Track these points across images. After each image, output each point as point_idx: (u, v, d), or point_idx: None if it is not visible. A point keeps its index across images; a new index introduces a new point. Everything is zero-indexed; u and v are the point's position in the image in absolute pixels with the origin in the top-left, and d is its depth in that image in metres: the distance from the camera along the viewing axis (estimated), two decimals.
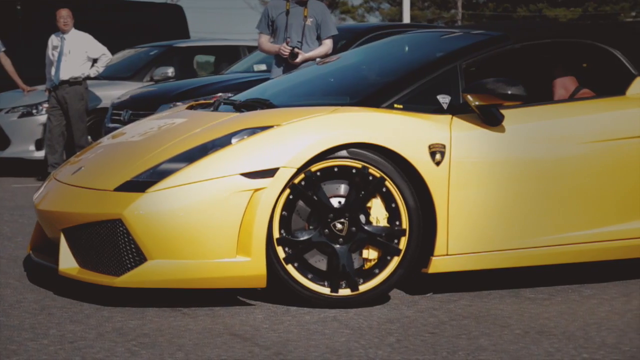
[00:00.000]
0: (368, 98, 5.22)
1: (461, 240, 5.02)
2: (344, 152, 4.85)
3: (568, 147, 5.27)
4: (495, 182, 5.09)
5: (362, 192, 4.88)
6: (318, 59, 6.45)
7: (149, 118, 6.16)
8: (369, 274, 4.91)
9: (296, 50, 8.79)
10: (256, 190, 4.70)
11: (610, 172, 5.32)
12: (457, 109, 5.15)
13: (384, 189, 4.89)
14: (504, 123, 5.12)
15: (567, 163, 5.25)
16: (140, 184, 4.80)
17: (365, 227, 4.89)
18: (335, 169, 4.86)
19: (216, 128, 5.06)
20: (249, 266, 4.72)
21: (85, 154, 5.70)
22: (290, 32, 8.90)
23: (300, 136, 4.81)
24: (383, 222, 4.91)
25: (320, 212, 4.86)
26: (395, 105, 5.13)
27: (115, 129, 10.52)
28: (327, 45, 9.05)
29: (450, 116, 5.10)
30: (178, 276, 4.72)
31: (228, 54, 13.63)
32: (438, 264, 5.01)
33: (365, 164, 4.85)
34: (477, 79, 5.29)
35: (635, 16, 52.28)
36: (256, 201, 4.69)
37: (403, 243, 4.92)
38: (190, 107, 6.17)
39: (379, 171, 4.87)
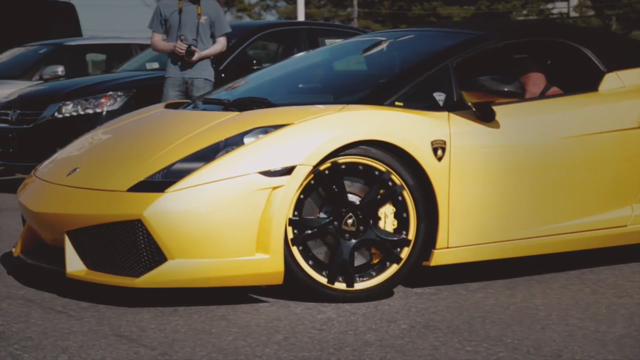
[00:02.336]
0: (370, 96, 5.36)
1: (461, 233, 5.19)
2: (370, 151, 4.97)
3: (553, 142, 5.52)
4: (491, 176, 5.29)
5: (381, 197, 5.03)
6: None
7: (131, 116, 6.12)
8: (367, 275, 5.02)
9: (192, 48, 8.76)
10: (274, 188, 4.76)
11: (591, 165, 5.59)
12: (452, 106, 5.30)
13: (399, 198, 5.03)
14: (496, 119, 5.31)
15: (553, 157, 5.49)
16: (157, 184, 4.79)
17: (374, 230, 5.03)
18: (360, 167, 4.98)
19: (222, 127, 5.08)
20: (268, 263, 4.78)
21: (71, 153, 5.64)
22: (184, 31, 8.88)
23: (315, 134, 4.89)
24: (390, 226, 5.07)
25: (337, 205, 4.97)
26: (397, 103, 5.26)
27: (3, 129, 10.32)
28: (222, 43, 9.07)
29: (447, 113, 5.26)
30: (198, 275, 4.75)
31: (120, 53, 13.49)
32: (440, 257, 5.17)
33: (389, 169, 5.00)
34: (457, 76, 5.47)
35: (527, 14, 53.22)
36: (274, 199, 4.75)
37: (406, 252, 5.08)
38: (168, 107, 6.20)
39: (399, 178, 5.02)
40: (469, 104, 5.31)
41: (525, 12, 53.34)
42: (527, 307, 4.90)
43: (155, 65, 10.91)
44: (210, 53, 8.99)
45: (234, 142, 4.90)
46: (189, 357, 4.02)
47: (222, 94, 6.26)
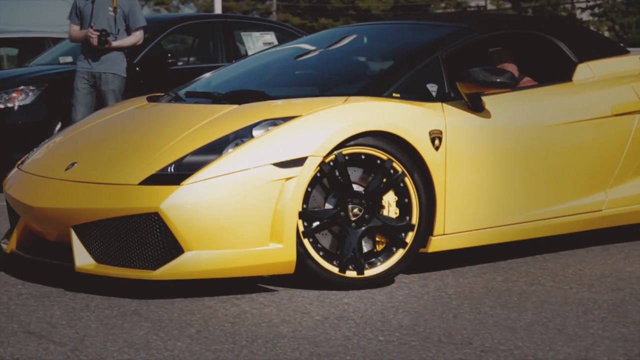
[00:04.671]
0: (368, 87, 5.48)
1: (456, 220, 5.36)
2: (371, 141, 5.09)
3: (539, 130, 5.72)
4: (483, 165, 5.46)
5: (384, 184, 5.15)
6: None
7: (114, 110, 6.06)
8: (373, 263, 5.12)
9: (104, 33, 8.65)
10: (287, 179, 4.85)
11: (571, 153, 5.82)
12: (444, 97, 5.47)
13: (401, 184, 5.17)
14: (487, 108, 5.49)
15: (539, 145, 5.70)
16: (171, 176, 4.83)
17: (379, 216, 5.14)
18: (363, 157, 5.09)
19: (227, 120, 5.14)
20: (281, 253, 4.85)
21: (60, 148, 5.60)
22: (97, 23, 8.78)
23: (324, 125, 4.99)
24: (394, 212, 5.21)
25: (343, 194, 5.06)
26: (394, 94, 5.39)
27: None
28: (137, 36, 8.99)
29: (440, 104, 5.41)
30: (215, 266, 4.79)
31: (32, 46, 13.28)
32: (436, 244, 5.32)
33: (390, 157, 5.12)
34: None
35: (445, 7, 53.63)
36: (287, 189, 4.83)
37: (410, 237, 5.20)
38: (149, 99, 6.18)
39: (401, 166, 5.15)
40: (461, 94, 5.46)
41: (443, 4, 53.78)
42: (440, 296, 4.94)
43: (69, 59, 10.77)
44: (122, 44, 8.89)
45: (243, 134, 4.97)
46: (99, 353, 3.98)
47: (199, 87, 6.26)
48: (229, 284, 5.04)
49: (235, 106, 5.36)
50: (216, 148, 4.92)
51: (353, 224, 5.07)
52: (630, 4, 47.42)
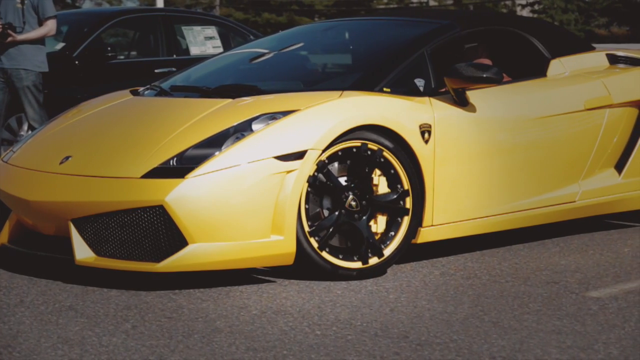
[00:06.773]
0: (361, 82, 5.56)
1: (443, 212, 5.50)
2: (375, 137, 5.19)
3: (520, 124, 5.88)
4: (469, 158, 5.60)
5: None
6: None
7: (102, 103, 5.98)
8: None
9: (6, 26, 8.40)
10: (288, 172, 4.92)
11: (548, 146, 6.00)
12: (431, 92, 5.60)
13: (399, 219, 5.30)
14: (471, 102, 5.64)
15: (520, 138, 5.88)
16: (175, 170, 4.87)
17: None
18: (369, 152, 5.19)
19: (224, 114, 5.18)
20: (282, 245, 4.92)
21: (51, 141, 5.55)
22: (6, 16, 8.55)
23: (322, 119, 5.08)
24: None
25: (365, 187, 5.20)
26: (385, 89, 5.49)
27: None
28: (48, 26, 8.67)
29: (428, 98, 5.54)
30: (218, 258, 4.84)
31: None
32: (426, 235, 5.46)
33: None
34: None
35: (388, 3, 53.78)
36: (287, 182, 4.91)
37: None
38: (133, 93, 6.14)
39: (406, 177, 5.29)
40: (448, 89, 5.56)
41: (386, 0, 53.92)
42: (378, 290, 4.96)
43: None
44: (29, 37, 8.58)
45: (243, 128, 5.03)
46: (33, 349, 3.94)
47: (180, 81, 6.24)
48: (165, 278, 5.01)
49: (230, 100, 5.39)
50: (217, 141, 4.97)
51: (355, 215, 5.17)
52: (569, 1, 47.96)
